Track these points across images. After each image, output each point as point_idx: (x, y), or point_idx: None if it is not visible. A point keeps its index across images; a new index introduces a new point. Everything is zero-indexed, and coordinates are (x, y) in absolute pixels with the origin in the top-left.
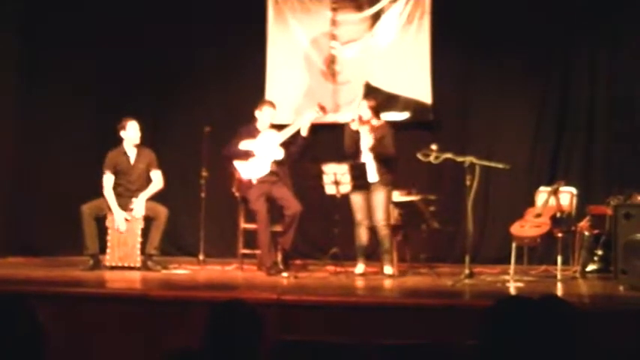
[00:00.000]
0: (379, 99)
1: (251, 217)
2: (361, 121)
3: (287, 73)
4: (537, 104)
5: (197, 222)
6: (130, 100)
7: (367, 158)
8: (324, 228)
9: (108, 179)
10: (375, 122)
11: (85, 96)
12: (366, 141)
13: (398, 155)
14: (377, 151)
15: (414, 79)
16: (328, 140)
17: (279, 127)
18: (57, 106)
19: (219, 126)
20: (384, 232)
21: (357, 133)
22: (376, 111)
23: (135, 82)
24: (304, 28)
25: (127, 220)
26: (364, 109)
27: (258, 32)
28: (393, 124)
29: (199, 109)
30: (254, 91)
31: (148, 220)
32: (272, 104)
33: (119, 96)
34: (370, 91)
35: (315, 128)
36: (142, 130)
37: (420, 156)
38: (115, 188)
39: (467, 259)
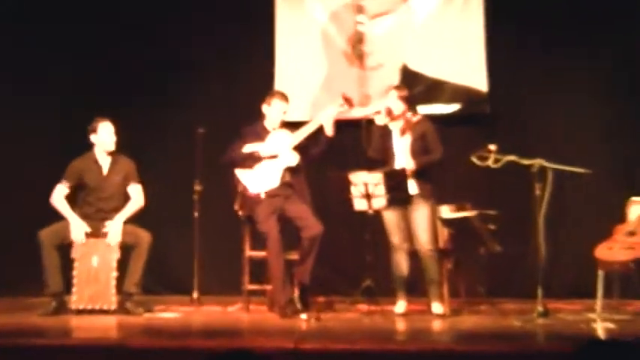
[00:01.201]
0: (421, 86)
1: (259, 241)
2: (391, 115)
3: (301, 57)
4: (618, 92)
5: (189, 249)
6: (106, 98)
7: (403, 164)
8: (354, 254)
9: (60, 190)
10: (410, 117)
11: (50, 97)
12: (400, 142)
13: (445, 159)
14: (416, 154)
15: (464, 60)
16: (356, 141)
17: (293, 126)
18: (16, 108)
19: (217, 126)
20: (429, 258)
21: (384, 129)
22: (410, 103)
23: (112, 76)
24: (322, 0)
25: (88, 235)
26: (394, 100)
27: (264, 9)
28: (440, 119)
29: (191, 106)
30: (260, 82)
31: (126, 248)
32: (283, 96)
33: (92, 94)
34: (409, 77)
35: (339, 126)
36: (119, 133)
37: (475, 159)
38: (81, 207)
39: (539, 291)
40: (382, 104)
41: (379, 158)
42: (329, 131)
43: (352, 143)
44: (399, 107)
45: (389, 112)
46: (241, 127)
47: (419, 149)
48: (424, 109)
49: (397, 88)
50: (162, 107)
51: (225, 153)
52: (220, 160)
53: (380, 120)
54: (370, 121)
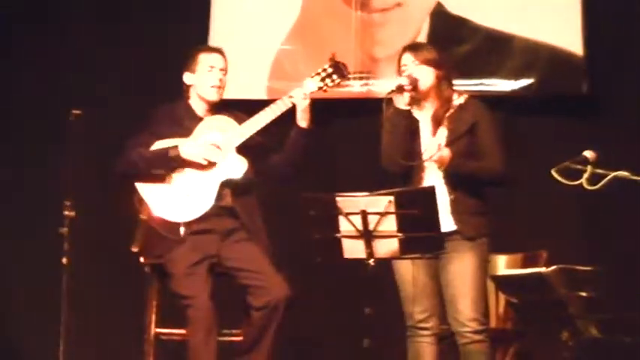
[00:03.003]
0: (468, 44)
1: (174, 312)
2: (417, 90)
3: None
4: None
5: (52, 321)
6: None
7: (435, 178)
8: (342, 337)
9: None
10: (447, 95)
11: None
12: (431, 141)
13: (508, 172)
14: (457, 163)
15: (543, 3)
16: (352, 140)
17: (243, 109)
18: None
19: (107, 107)
20: (476, 346)
21: (408, 118)
22: (443, 70)
23: None
24: None
25: None
26: (412, 66)
27: None
28: (499, 103)
29: (61, 73)
30: (185, 31)
31: None
32: (215, 49)
33: None
34: (447, 27)
35: (322, 111)
36: None
37: (557, 175)
38: None
39: None
40: (406, 75)
41: (399, 168)
42: (302, 120)
43: (345, 142)
44: (425, 79)
45: (414, 85)
46: (151, 109)
47: (462, 152)
48: (471, 85)
49: (412, 48)
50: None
51: (120, 153)
52: (113, 165)
53: (402, 102)
54: (389, 102)
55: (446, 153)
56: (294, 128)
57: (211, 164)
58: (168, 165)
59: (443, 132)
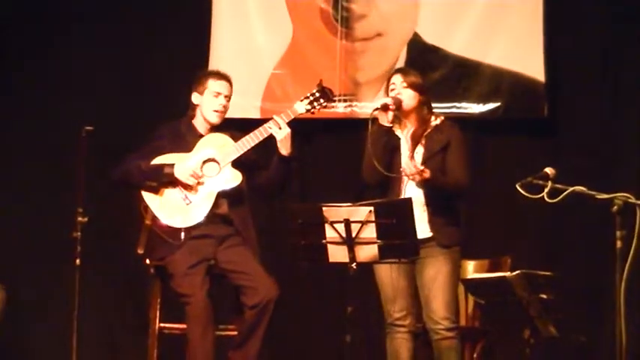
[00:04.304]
0: (441, 70)
1: (175, 308)
2: (400, 110)
3: (250, 20)
4: None
5: (65, 317)
6: None
7: (413, 191)
8: (325, 334)
9: None
10: (426, 116)
11: None
12: (412, 162)
13: (474, 186)
14: (431, 177)
15: (508, 34)
16: (336, 156)
17: (238, 128)
18: None
19: (115, 124)
20: (448, 343)
21: (389, 136)
22: (425, 95)
23: None
24: None
25: None
26: (400, 87)
27: None
28: (467, 124)
29: (73, 91)
30: (187, 56)
31: None
32: (222, 75)
33: None
34: (423, 55)
35: (310, 131)
36: None
37: (521, 189)
38: None
39: None
40: (391, 96)
41: (378, 181)
42: (282, 148)
43: (330, 158)
44: (408, 100)
45: (398, 105)
46: (159, 124)
47: (436, 168)
48: (444, 108)
49: (403, 72)
50: (19, 90)
51: (123, 161)
52: (112, 173)
53: (385, 118)
54: (374, 120)
55: (427, 175)
56: (276, 154)
57: (193, 187)
58: (160, 180)
59: (420, 150)
